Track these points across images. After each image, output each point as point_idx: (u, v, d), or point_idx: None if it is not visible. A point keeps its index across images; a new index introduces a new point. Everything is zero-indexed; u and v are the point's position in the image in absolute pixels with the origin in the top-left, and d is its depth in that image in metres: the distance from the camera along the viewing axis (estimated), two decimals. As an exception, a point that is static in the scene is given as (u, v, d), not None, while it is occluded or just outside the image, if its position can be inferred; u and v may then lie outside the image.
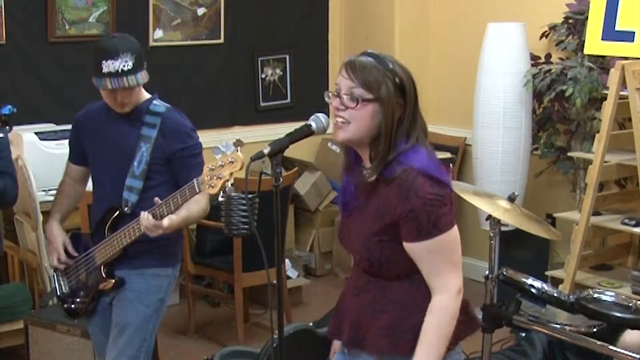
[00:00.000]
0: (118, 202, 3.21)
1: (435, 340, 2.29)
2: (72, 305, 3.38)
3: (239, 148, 2.70)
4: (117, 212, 3.21)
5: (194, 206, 3.14)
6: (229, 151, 2.71)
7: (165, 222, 3.00)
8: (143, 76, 3.17)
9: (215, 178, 2.75)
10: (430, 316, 2.30)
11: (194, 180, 2.91)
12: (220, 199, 2.88)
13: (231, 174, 2.73)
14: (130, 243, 3.15)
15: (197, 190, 2.92)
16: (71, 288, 3.38)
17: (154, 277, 3.27)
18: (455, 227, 2.33)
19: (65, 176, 3.50)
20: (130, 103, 3.20)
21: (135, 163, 3.18)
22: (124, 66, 3.10)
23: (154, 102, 3.27)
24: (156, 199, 3.01)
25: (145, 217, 3.00)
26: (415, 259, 2.29)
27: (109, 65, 3.10)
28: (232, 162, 2.72)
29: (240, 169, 2.71)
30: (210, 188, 2.78)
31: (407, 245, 2.29)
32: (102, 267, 3.25)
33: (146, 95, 3.29)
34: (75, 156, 3.45)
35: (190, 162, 3.18)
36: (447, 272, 2.30)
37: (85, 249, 3.35)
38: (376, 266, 2.34)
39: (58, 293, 3.43)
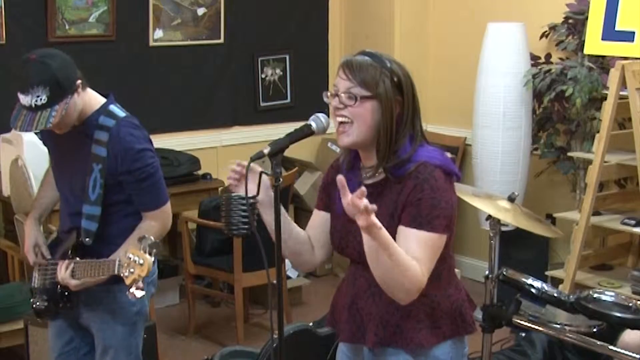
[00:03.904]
0: (78, 228, 2.99)
1: (397, 264, 2.18)
2: (35, 305, 3.18)
3: (154, 251, 2.70)
4: (80, 239, 3.00)
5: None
6: (145, 250, 2.70)
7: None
8: (61, 109, 2.79)
9: (129, 269, 2.72)
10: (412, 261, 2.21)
11: (117, 260, 2.80)
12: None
13: (139, 275, 2.70)
14: (94, 283, 2.95)
15: (116, 272, 2.80)
16: (39, 287, 3.19)
17: (121, 292, 2.92)
18: (444, 238, 2.31)
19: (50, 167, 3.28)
20: (66, 127, 2.91)
21: (90, 188, 2.93)
22: (36, 101, 2.76)
23: (107, 109, 2.96)
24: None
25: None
26: (398, 242, 2.24)
27: (22, 99, 2.78)
28: (141, 264, 2.70)
29: (146, 274, 2.70)
30: (125, 277, 2.74)
31: (399, 228, 2.29)
32: (58, 286, 3.05)
33: (96, 105, 2.96)
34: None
35: (139, 187, 2.96)
36: (420, 262, 2.24)
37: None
38: None
39: (32, 285, 3.23)
